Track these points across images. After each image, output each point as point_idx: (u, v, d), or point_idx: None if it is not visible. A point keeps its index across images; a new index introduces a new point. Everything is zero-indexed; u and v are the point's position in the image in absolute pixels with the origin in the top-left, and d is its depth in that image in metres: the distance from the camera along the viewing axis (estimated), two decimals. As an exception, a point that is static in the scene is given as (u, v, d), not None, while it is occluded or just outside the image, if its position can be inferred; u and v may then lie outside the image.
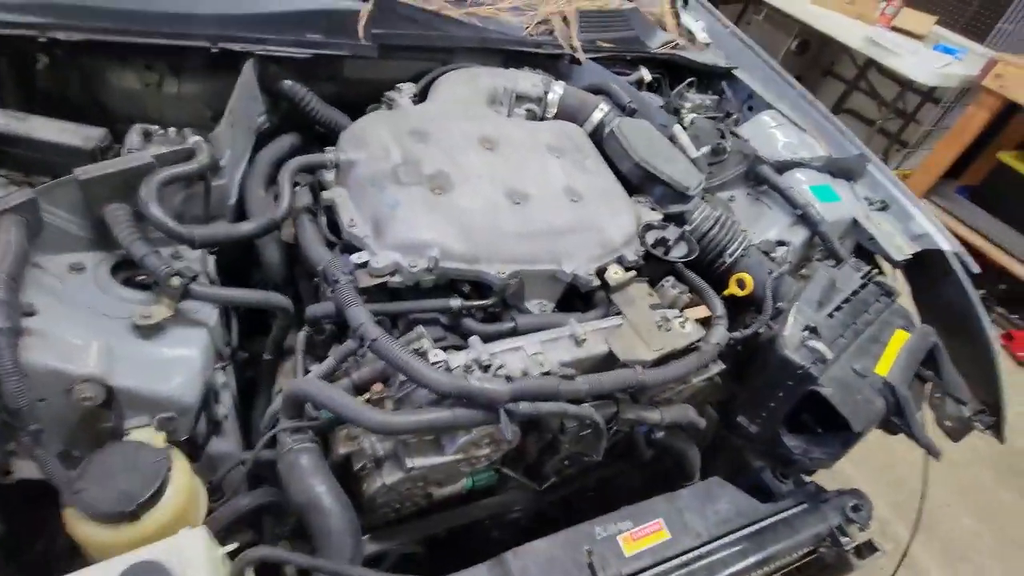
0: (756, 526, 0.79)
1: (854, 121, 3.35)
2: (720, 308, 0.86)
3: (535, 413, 0.64)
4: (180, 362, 0.63)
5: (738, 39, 1.47)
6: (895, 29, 2.87)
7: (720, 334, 0.81)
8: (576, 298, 0.86)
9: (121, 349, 0.60)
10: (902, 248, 1.06)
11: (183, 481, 0.53)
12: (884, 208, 1.13)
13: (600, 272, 0.80)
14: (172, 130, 0.77)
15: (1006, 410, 1.10)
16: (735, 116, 1.30)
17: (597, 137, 1.02)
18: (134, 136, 0.72)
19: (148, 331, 0.62)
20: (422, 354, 0.65)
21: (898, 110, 3.09)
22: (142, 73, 0.90)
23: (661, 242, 0.87)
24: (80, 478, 0.48)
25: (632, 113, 1.06)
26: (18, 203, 0.59)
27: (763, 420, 0.87)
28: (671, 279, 0.87)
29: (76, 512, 0.48)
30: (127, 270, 0.69)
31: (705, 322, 0.84)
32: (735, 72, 1.38)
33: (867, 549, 0.90)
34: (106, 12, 0.80)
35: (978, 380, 1.12)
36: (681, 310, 0.83)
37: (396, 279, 0.72)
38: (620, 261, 0.82)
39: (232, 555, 0.52)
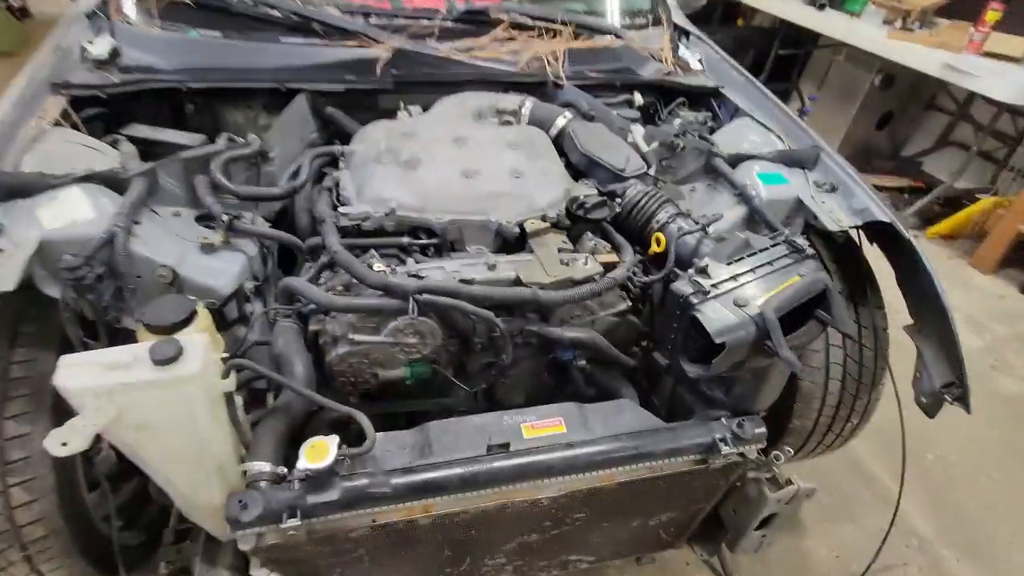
0: (643, 432, 0.93)
1: (958, 151, 3.17)
2: (628, 255, 1.04)
3: (435, 303, 0.88)
4: (222, 270, 0.98)
5: (729, 65, 1.65)
6: (987, 55, 2.76)
7: (619, 273, 0.99)
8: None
9: (189, 256, 0.96)
10: (840, 220, 1.15)
11: (205, 322, 0.85)
12: (833, 190, 1.22)
13: (521, 225, 1.04)
14: (252, 137, 1.18)
15: (968, 382, 1.11)
16: (710, 124, 1.47)
17: (558, 139, 1.28)
18: (221, 140, 1.14)
19: (206, 248, 0.99)
20: (369, 266, 0.94)
21: (999, 133, 2.89)
22: (245, 111, 1.35)
23: (580, 205, 1.09)
24: (146, 310, 0.82)
25: (591, 119, 1.30)
26: (143, 170, 1.00)
27: (669, 352, 1.01)
28: (589, 235, 1.07)
29: (139, 325, 0.81)
30: (207, 220, 1.07)
31: (614, 267, 1.03)
32: (722, 90, 1.56)
33: (775, 482, 0.98)
34: (219, 71, 1.25)
35: (944, 356, 1.14)
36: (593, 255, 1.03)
37: (367, 223, 1.02)
38: (543, 218, 1.06)
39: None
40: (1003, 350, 2.30)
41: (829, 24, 3.36)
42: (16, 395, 0.90)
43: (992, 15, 2.72)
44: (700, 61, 1.65)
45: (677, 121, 1.48)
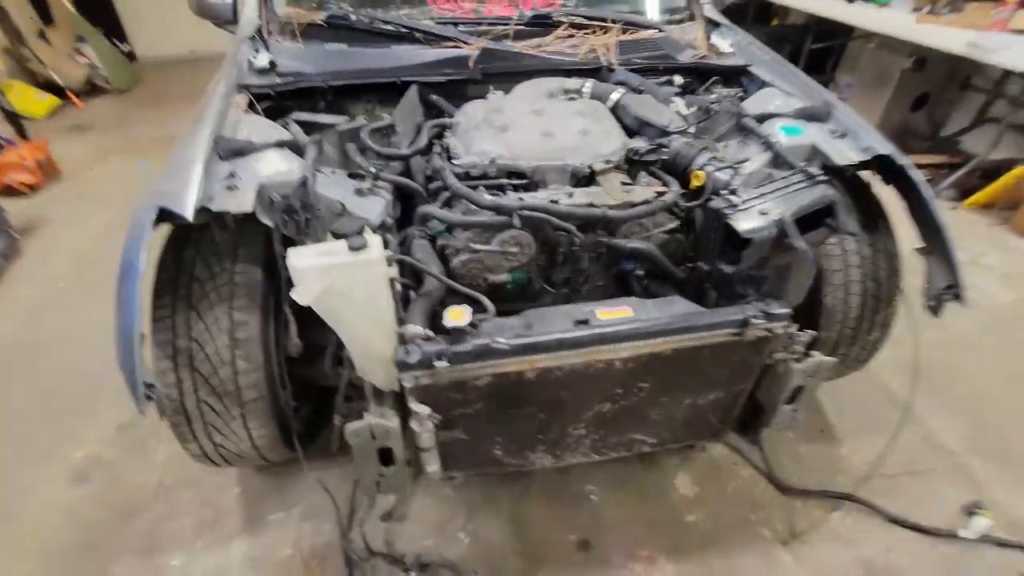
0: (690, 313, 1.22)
1: (996, 127, 3.30)
2: (675, 185, 1.34)
3: (531, 217, 1.21)
4: (372, 205, 1.34)
5: (756, 47, 1.93)
6: (1014, 31, 2.93)
7: (668, 197, 1.30)
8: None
9: (349, 197, 1.33)
10: (850, 157, 1.41)
11: (377, 240, 1.21)
12: (843, 136, 1.48)
13: (591, 167, 1.36)
14: (384, 115, 1.56)
15: (964, 282, 1.34)
16: (740, 95, 1.76)
17: (615, 109, 1.60)
18: (360, 119, 1.52)
19: (360, 192, 1.35)
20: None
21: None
22: (364, 105, 1.73)
23: (635, 152, 1.40)
24: (332, 226, 1.18)
25: (639, 92, 1.62)
26: (315, 139, 1.38)
27: (709, 259, 1.30)
28: (644, 174, 1.39)
29: (329, 235, 1.17)
30: (356, 175, 1.44)
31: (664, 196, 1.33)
32: (750, 68, 1.84)
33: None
34: (349, 72, 1.64)
35: (944, 265, 1.38)
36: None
37: (474, 171, 1.37)
38: (606, 162, 1.38)
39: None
40: (1037, 301, 2.44)
41: (859, 15, 3.57)
42: (239, 295, 1.28)
43: (1014, -6, 2.89)
44: (731, 45, 1.94)
45: (713, 95, 1.78)
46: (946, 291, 1.38)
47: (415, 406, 1.16)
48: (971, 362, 2.13)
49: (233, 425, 1.32)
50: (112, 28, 5.22)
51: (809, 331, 1.30)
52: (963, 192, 3.20)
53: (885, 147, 1.40)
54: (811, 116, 1.54)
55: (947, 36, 2.96)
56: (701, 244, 1.36)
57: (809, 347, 1.32)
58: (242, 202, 1.17)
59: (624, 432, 1.42)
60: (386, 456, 1.21)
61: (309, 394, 1.53)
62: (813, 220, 1.26)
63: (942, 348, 2.18)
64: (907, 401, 1.60)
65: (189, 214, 1.07)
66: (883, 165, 1.43)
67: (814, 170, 1.33)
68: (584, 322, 1.19)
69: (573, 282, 1.38)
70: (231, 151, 1.29)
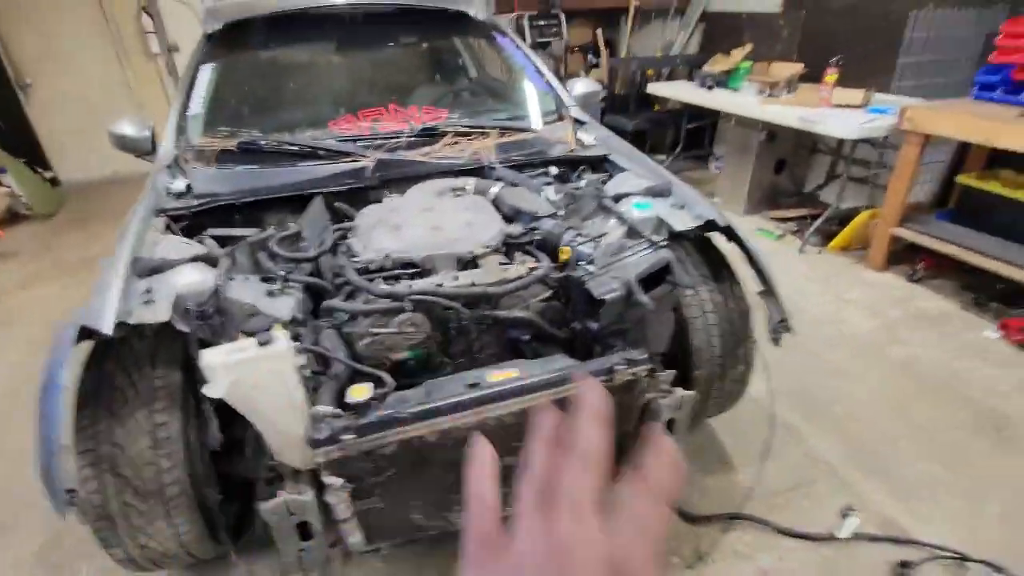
0: (566, 366, 1.43)
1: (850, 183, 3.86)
2: (545, 261, 1.59)
3: (421, 300, 1.41)
4: (282, 305, 1.51)
5: (615, 140, 2.31)
6: (837, 106, 3.54)
7: (540, 272, 1.54)
8: None
9: (261, 299, 1.49)
10: (687, 223, 1.71)
11: (283, 334, 1.37)
12: (682, 207, 1.80)
13: (473, 253, 1.60)
14: (291, 224, 1.76)
15: (788, 314, 1.63)
16: (604, 179, 2.09)
17: (495, 202, 1.88)
18: (270, 229, 1.71)
19: (271, 294, 1.52)
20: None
21: (866, 161, 3.62)
22: (276, 216, 1.93)
23: (510, 236, 1.66)
24: (245, 326, 1.34)
25: (515, 185, 1.91)
26: (227, 251, 1.55)
27: (580, 319, 1.53)
28: (519, 254, 1.64)
29: (241, 334, 1.33)
30: (268, 279, 1.61)
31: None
32: (609, 157, 2.20)
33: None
34: (260, 189, 1.85)
35: (775, 304, 1.67)
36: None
37: (372, 265, 1.57)
38: (486, 247, 1.62)
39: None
40: (895, 328, 2.82)
41: (718, 100, 4.20)
42: (159, 397, 1.39)
43: (830, 77, 3.53)
44: (594, 139, 2.31)
45: (583, 181, 2.11)
46: (779, 324, 1.67)
47: (328, 479, 1.28)
48: (843, 385, 2.43)
49: (158, 524, 1.38)
50: (34, 156, 5.30)
51: (670, 370, 1.53)
52: (826, 238, 3.68)
53: (711, 213, 1.71)
54: (657, 193, 1.87)
55: (785, 114, 3.55)
56: (573, 309, 1.60)
57: (674, 384, 1.55)
58: (158, 313, 1.31)
59: (532, 483, 1.57)
60: (305, 531, 1.31)
61: (237, 489, 1.60)
62: (657, 278, 1.52)
63: (818, 375, 2.49)
64: (772, 418, 1.83)
65: (108, 330, 1.20)
66: (727, 228, 1.73)
67: (656, 238, 1.62)
68: (475, 385, 1.37)
69: (470, 352, 1.57)
70: (148, 269, 1.44)
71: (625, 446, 1.42)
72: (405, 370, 1.54)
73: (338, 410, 1.29)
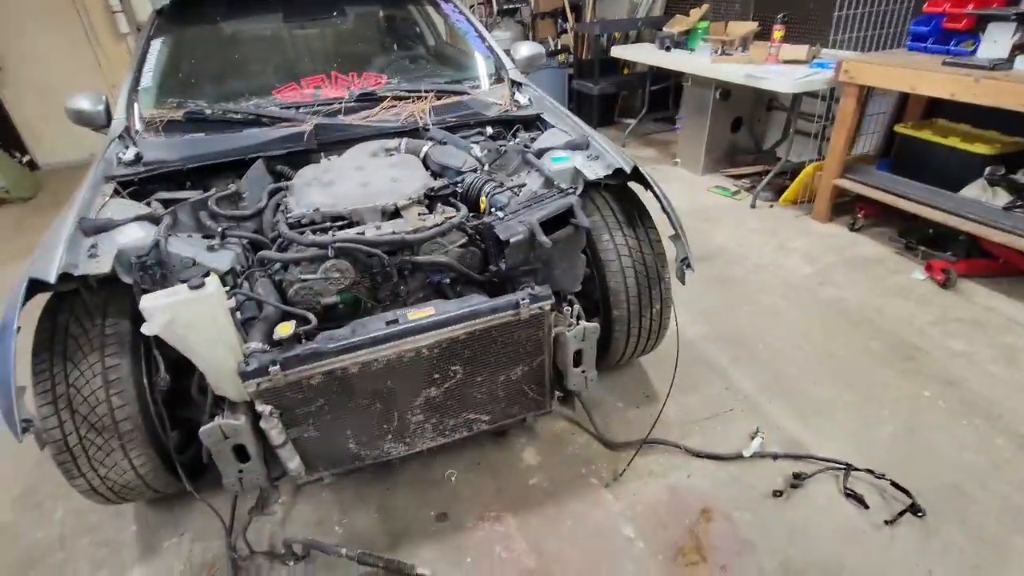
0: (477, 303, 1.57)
1: (801, 137, 3.97)
2: (463, 209, 1.72)
3: (343, 247, 1.55)
4: (221, 257, 1.64)
5: (548, 100, 2.42)
6: (785, 62, 3.63)
7: (455, 220, 1.67)
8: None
9: (201, 253, 1.63)
10: (598, 172, 1.84)
11: (214, 279, 1.51)
12: (597, 159, 1.93)
13: (396, 205, 1.73)
14: (231, 184, 1.89)
15: (689, 253, 1.77)
16: (535, 135, 2.21)
17: (424, 160, 2.00)
18: (212, 191, 1.84)
19: (210, 248, 1.66)
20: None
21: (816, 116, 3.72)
22: (223, 179, 2.05)
23: (431, 189, 1.79)
24: (183, 276, 1.48)
25: (444, 144, 2.04)
26: (169, 211, 1.69)
27: (494, 260, 1.68)
28: (440, 205, 1.77)
29: (180, 284, 1.47)
30: (208, 236, 1.75)
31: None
32: (542, 116, 2.31)
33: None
34: (205, 155, 1.98)
35: (681, 245, 1.81)
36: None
37: (304, 219, 1.71)
38: (409, 200, 1.75)
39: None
40: (829, 272, 2.97)
41: (676, 61, 4.27)
42: (110, 343, 1.54)
43: (777, 33, 3.61)
44: (528, 100, 2.42)
45: (515, 140, 2.23)
46: (682, 262, 1.81)
47: (259, 406, 1.44)
48: (771, 326, 2.59)
49: (114, 456, 1.55)
50: (10, 140, 5.38)
51: (577, 306, 1.68)
52: (778, 192, 3.81)
53: (620, 163, 1.84)
54: (575, 147, 1.99)
55: (733, 71, 3.64)
56: (489, 251, 1.74)
57: (580, 318, 1.70)
58: (101, 265, 1.46)
59: (458, 413, 1.73)
60: (242, 453, 1.48)
61: (193, 432, 1.76)
62: (561, 221, 1.66)
63: (750, 318, 2.64)
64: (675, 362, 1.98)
65: (52, 279, 1.35)
66: (637, 175, 1.86)
67: (564, 186, 1.76)
68: (394, 321, 1.52)
69: (396, 296, 1.72)
70: (94, 228, 1.58)
71: (540, 379, 1.58)
72: (339, 315, 1.69)
73: (266, 346, 1.44)
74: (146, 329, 1.34)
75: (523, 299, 1.56)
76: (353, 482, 1.90)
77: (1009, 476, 1.79)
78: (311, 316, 1.49)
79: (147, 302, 1.33)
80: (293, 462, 1.58)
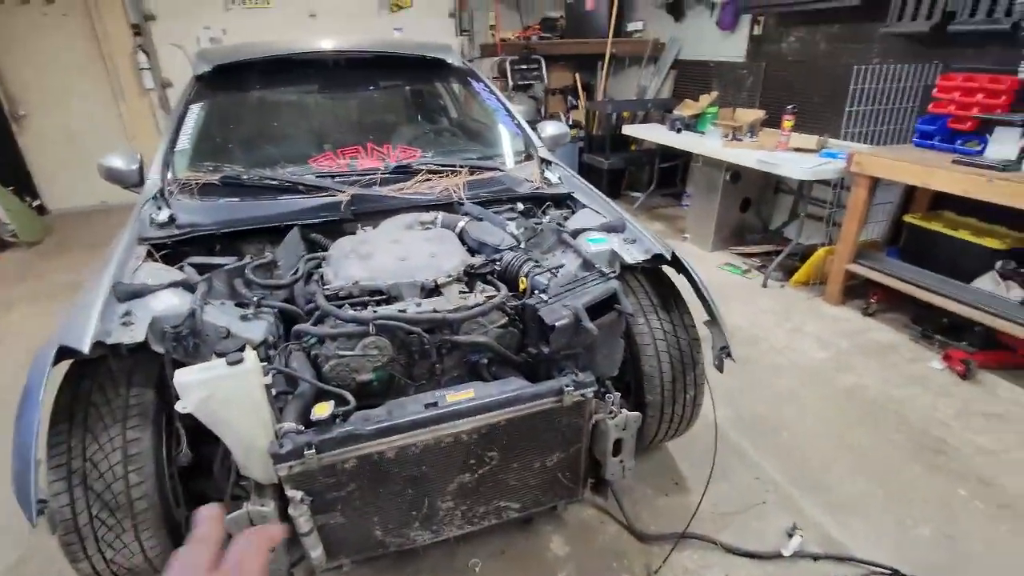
0: (519, 388, 1.53)
1: (806, 219, 4.07)
2: (503, 290, 1.71)
3: (384, 325, 1.52)
4: (256, 328, 1.60)
5: (578, 180, 2.47)
6: (794, 150, 3.77)
7: (497, 300, 1.65)
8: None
9: (235, 323, 1.59)
10: (636, 257, 1.86)
11: (252, 355, 1.46)
12: (634, 242, 1.95)
13: (436, 282, 1.72)
14: (267, 253, 1.87)
15: (730, 343, 1.76)
16: (566, 215, 2.23)
17: (461, 235, 2.01)
18: (246, 259, 1.82)
19: (244, 318, 1.62)
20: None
21: (824, 201, 3.83)
22: (255, 246, 2.04)
23: (472, 267, 1.78)
24: (218, 348, 1.44)
25: (480, 220, 2.05)
26: (204, 278, 1.66)
27: (535, 343, 1.65)
28: (480, 283, 1.76)
29: (214, 356, 1.42)
30: (242, 305, 1.71)
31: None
32: (573, 194, 2.35)
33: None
34: (240, 220, 1.97)
35: (718, 332, 1.80)
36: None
37: (341, 292, 1.68)
38: (448, 276, 1.74)
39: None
40: (845, 357, 2.97)
41: (687, 142, 4.44)
42: (132, 415, 1.47)
43: (787, 123, 3.77)
44: (559, 178, 2.47)
45: (547, 217, 2.25)
46: (721, 351, 1.79)
47: (290, 492, 1.36)
48: (793, 412, 2.55)
49: (125, 538, 1.44)
50: (22, 184, 5.39)
51: (616, 393, 1.64)
52: (789, 273, 3.86)
53: (659, 248, 1.86)
54: (611, 229, 2.01)
55: (746, 155, 3.77)
56: (529, 334, 1.71)
57: (629, 409, 1.66)
58: (135, 334, 1.41)
59: (489, 500, 1.65)
60: (267, 543, 1.38)
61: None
62: (604, 306, 1.65)
63: (770, 403, 2.61)
64: (714, 445, 1.93)
65: (86, 348, 1.30)
66: (675, 261, 1.87)
67: (606, 269, 1.76)
68: (433, 404, 1.47)
69: (432, 375, 1.67)
70: (128, 293, 1.54)
71: (576, 467, 1.52)
72: (371, 392, 1.63)
73: (300, 427, 1.38)
74: (180, 406, 1.28)
75: (567, 385, 1.52)
76: (372, 569, 1.78)
77: (1058, 589, 1.72)
78: (349, 396, 1.43)
79: (183, 377, 1.28)
80: (316, 551, 1.48)
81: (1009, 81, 2.78)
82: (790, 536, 1.88)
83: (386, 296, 1.70)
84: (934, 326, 3.03)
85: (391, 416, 1.43)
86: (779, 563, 1.81)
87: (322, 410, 1.38)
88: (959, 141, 2.99)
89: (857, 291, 3.53)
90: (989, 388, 2.68)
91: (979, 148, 2.85)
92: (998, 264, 2.86)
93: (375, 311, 1.58)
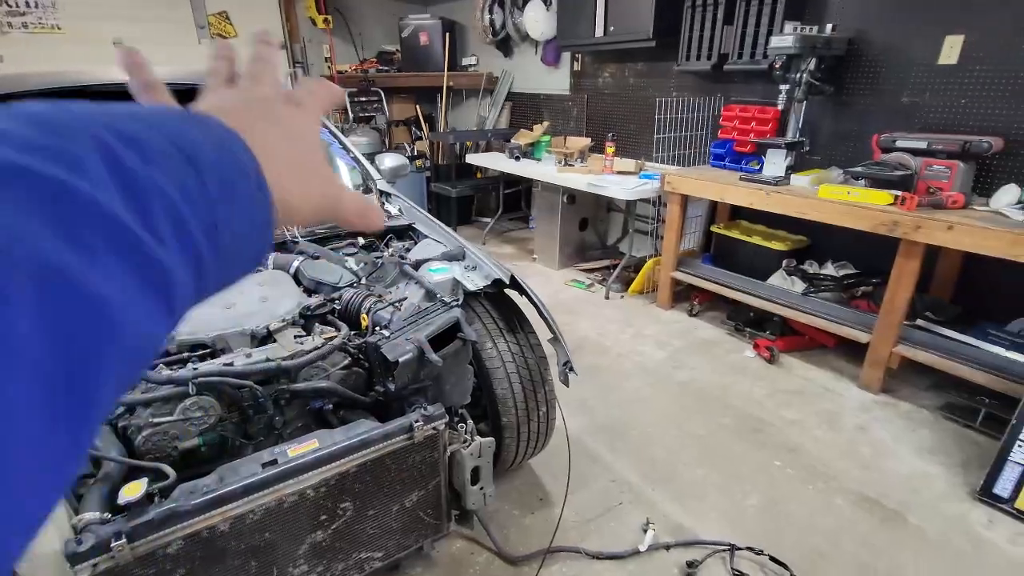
0: (367, 430, 1.47)
1: (638, 235, 4.47)
2: (344, 329, 1.64)
3: (207, 382, 1.37)
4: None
5: (417, 210, 2.48)
6: (618, 172, 4.15)
7: (337, 341, 1.58)
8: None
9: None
10: (477, 284, 1.90)
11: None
12: (474, 268, 1.99)
13: (268, 328, 1.60)
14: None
15: (570, 355, 1.86)
16: (408, 246, 2.23)
17: (296, 276, 1.90)
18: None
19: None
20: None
21: (645, 217, 4.25)
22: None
23: (307, 308, 1.69)
24: None
25: (316, 258, 1.96)
26: None
27: (381, 380, 1.60)
28: (318, 325, 1.67)
29: None
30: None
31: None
32: (414, 225, 2.35)
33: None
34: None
35: (561, 349, 1.89)
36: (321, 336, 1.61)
37: (154, 351, 1.49)
38: (282, 321, 1.63)
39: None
40: (679, 355, 3.29)
41: (526, 169, 4.68)
42: None
43: (609, 149, 4.16)
44: (399, 210, 2.45)
45: (390, 250, 2.22)
46: (564, 366, 1.89)
47: (97, 600, 1.15)
48: (640, 411, 2.76)
49: None
50: None
51: (469, 421, 1.65)
52: (626, 284, 4.22)
53: (498, 273, 1.92)
54: (452, 257, 2.04)
55: (578, 179, 4.08)
56: (375, 372, 1.66)
57: (484, 433, 1.67)
58: None
59: (348, 555, 1.55)
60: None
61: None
62: (448, 336, 1.66)
63: (620, 406, 2.80)
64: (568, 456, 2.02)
65: None
66: (515, 284, 1.93)
67: (447, 299, 1.77)
68: (272, 463, 1.35)
69: (271, 429, 1.54)
70: None
71: (437, 502, 1.48)
72: (201, 458, 1.46)
73: (106, 515, 1.18)
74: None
75: (416, 421, 1.50)
76: (215, 665, 1.56)
77: (852, 534, 2.04)
78: (168, 469, 1.27)
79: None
80: (140, 659, 1.26)
81: (772, 111, 3.35)
82: (644, 531, 2.01)
83: (211, 350, 1.54)
84: (744, 320, 3.50)
85: (222, 483, 1.29)
86: (638, 559, 1.92)
87: (132, 491, 1.19)
88: (744, 161, 3.53)
89: (684, 295, 3.96)
90: (788, 368, 3.15)
91: (758, 167, 3.39)
92: (784, 263, 3.40)
93: (195, 368, 1.42)
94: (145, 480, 1.21)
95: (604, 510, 2.14)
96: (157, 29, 5.60)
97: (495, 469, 1.94)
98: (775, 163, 3.18)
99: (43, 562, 1.15)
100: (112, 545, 1.13)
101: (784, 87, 3.03)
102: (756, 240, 3.55)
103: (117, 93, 2.17)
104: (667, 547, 1.96)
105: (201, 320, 1.58)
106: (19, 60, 4.98)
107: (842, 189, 2.84)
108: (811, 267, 3.43)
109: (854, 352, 3.08)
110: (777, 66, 2.96)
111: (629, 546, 1.96)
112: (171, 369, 1.43)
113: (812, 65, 2.99)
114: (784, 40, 2.88)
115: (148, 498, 1.21)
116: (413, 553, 1.82)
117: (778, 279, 3.42)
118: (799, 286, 3.29)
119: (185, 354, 1.51)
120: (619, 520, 2.10)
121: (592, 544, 1.97)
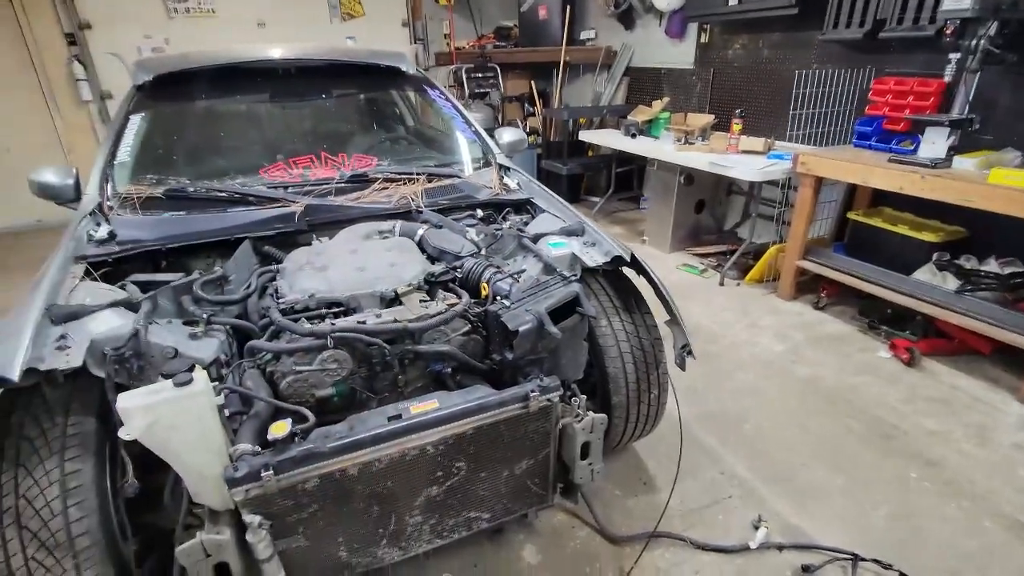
0: (484, 396, 1.50)
1: (758, 219, 4.19)
2: (465, 297, 1.68)
3: (342, 337, 1.47)
4: (205, 346, 1.53)
5: (536, 184, 2.47)
6: (744, 152, 3.89)
7: (459, 307, 1.63)
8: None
9: (183, 341, 1.51)
10: (596, 259, 1.87)
11: (201, 373, 1.39)
12: (593, 245, 1.96)
13: (395, 291, 1.68)
14: (216, 267, 1.78)
15: (691, 341, 1.78)
16: (526, 220, 2.23)
17: (420, 243, 1.98)
18: (195, 274, 1.74)
19: (193, 336, 1.54)
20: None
21: (771, 201, 3.95)
22: (204, 260, 1.95)
23: (432, 275, 1.75)
24: (164, 370, 1.36)
25: (439, 227, 2.02)
26: (148, 296, 1.57)
27: (499, 350, 1.63)
28: (441, 291, 1.73)
29: (161, 377, 1.34)
30: (192, 323, 1.63)
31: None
32: (532, 199, 2.35)
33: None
34: (186, 235, 1.88)
35: (679, 331, 1.82)
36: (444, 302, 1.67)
37: (297, 305, 1.62)
38: (408, 286, 1.70)
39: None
40: (800, 349, 3.06)
41: (642, 147, 4.52)
42: (71, 446, 1.37)
43: (736, 127, 3.89)
44: (517, 184, 2.46)
45: (507, 223, 2.24)
46: (682, 349, 1.81)
47: (247, 517, 1.29)
48: (754, 404, 2.61)
49: (66, 578, 1.34)
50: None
51: (582, 396, 1.64)
52: (744, 271, 3.97)
53: (618, 250, 1.87)
54: (571, 232, 2.02)
55: (698, 159, 3.87)
56: (492, 340, 1.69)
57: (595, 410, 1.65)
58: (72, 359, 1.32)
59: (459, 512, 1.61)
60: (223, 572, 1.30)
61: (155, 540, 1.56)
62: (567, 310, 1.65)
63: (733, 397, 2.66)
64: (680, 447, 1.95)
65: (15, 376, 1.20)
66: (635, 262, 1.88)
67: (567, 273, 1.75)
68: (397, 417, 1.43)
69: (395, 387, 1.63)
70: (63, 315, 1.44)
71: (545, 473, 1.50)
72: (332, 407, 1.58)
73: (256, 447, 1.32)
74: (123, 433, 1.20)
75: (532, 391, 1.51)
76: (337, 594, 1.71)
77: (1003, 563, 1.80)
78: (309, 413, 1.38)
79: (126, 402, 1.20)
80: (278, 577, 1.41)
81: (936, 84, 2.94)
82: (756, 528, 1.91)
83: (344, 308, 1.65)
84: (880, 317, 3.17)
85: (353, 431, 1.38)
86: (747, 556, 1.83)
87: (279, 429, 1.32)
88: (894, 141, 3.15)
89: (808, 286, 3.66)
90: (932, 374, 2.82)
91: (912, 147, 3.01)
92: (935, 256, 3.02)
93: (333, 324, 1.53)
94: (289, 421, 1.33)
95: (711, 501, 2.06)
96: (295, 11, 6.02)
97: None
98: (935, 143, 2.81)
99: (208, 482, 1.31)
100: (262, 475, 1.26)
101: (955, 56, 2.65)
102: (902, 230, 3.18)
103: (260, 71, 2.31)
104: (780, 548, 1.85)
105: (336, 280, 1.69)
106: (182, 41, 5.59)
107: (1019, 174, 2.45)
108: (968, 262, 3.01)
109: (1015, 361, 2.69)
110: (948, 32, 2.58)
111: (737, 541, 1.88)
112: (312, 323, 1.55)
113: (993, 30, 2.58)
114: (961, 2, 2.50)
115: (291, 437, 1.32)
116: (517, 520, 1.88)
117: (926, 274, 3.04)
118: (952, 283, 2.91)
119: (323, 310, 1.63)
120: (727, 514, 2.01)
121: (697, 535, 1.90)
